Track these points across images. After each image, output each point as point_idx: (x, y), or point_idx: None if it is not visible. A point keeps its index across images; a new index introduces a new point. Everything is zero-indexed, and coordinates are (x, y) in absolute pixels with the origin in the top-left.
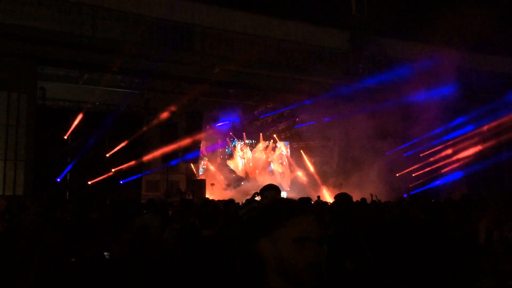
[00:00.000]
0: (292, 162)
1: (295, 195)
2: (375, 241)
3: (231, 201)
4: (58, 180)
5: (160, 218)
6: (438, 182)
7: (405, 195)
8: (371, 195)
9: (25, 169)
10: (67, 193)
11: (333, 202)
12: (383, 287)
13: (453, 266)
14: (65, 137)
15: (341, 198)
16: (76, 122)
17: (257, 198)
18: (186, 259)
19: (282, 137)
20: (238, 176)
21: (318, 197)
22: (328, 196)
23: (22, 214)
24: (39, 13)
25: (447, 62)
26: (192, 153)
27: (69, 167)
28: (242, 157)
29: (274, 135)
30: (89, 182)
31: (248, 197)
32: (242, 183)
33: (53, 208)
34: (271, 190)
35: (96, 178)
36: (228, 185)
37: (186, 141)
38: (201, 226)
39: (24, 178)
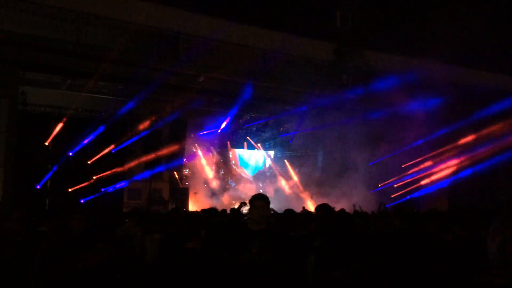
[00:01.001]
0: (276, 172)
1: (278, 205)
2: (361, 251)
3: (214, 211)
4: (38, 187)
5: (141, 228)
6: (419, 193)
7: (387, 206)
8: (354, 206)
9: (4, 175)
10: (47, 201)
11: (316, 213)
12: None
13: (439, 275)
14: (47, 143)
15: (324, 210)
16: (57, 128)
17: (245, 207)
18: (168, 272)
19: (267, 146)
20: (222, 185)
21: (303, 207)
22: (312, 206)
23: (4, 221)
24: (22, 18)
25: (430, 74)
26: (176, 161)
27: (50, 174)
28: (226, 166)
29: (259, 144)
30: (70, 190)
31: (233, 206)
32: (226, 192)
33: (37, 217)
34: (261, 200)
35: (77, 185)
36: (212, 194)
37: (170, 149)
38: (182, 237)
39: (3, 185)
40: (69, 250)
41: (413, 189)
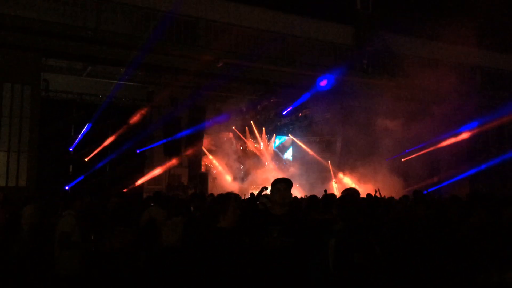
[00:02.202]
0: (296, 157)
1: (298, 189)
2: (382, 235)
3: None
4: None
5: (165, 212)
6: (441, 179)
7: (407, 192)
8: (375, 191)
9: (28, 160)
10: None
11: (340, 197)
12: (391, 281)
13: (460, 262)
14: (68, 129)
15: (348, 193)
16: (79, 114)
17: (266, 192)
18: (196, 253)
19: (285, 131)
20: (240, 170)
21: (325, 191)
22: (331, 190)
23: (25, 208)
24: (43, 5)
25: (454, 58)
26: (195, 146)
27: (72, 159)
28: (244, 151)
29: (277, 129)
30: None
31: (252, 191)
32: (244, 177)
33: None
34: (283, 183)
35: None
36: (231, 179)
37: (188, 134)
38: (210, 218)
39: (27, 170)
40: (95, 232)
41: (434, 176)
